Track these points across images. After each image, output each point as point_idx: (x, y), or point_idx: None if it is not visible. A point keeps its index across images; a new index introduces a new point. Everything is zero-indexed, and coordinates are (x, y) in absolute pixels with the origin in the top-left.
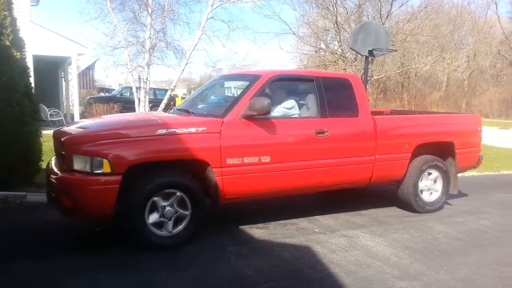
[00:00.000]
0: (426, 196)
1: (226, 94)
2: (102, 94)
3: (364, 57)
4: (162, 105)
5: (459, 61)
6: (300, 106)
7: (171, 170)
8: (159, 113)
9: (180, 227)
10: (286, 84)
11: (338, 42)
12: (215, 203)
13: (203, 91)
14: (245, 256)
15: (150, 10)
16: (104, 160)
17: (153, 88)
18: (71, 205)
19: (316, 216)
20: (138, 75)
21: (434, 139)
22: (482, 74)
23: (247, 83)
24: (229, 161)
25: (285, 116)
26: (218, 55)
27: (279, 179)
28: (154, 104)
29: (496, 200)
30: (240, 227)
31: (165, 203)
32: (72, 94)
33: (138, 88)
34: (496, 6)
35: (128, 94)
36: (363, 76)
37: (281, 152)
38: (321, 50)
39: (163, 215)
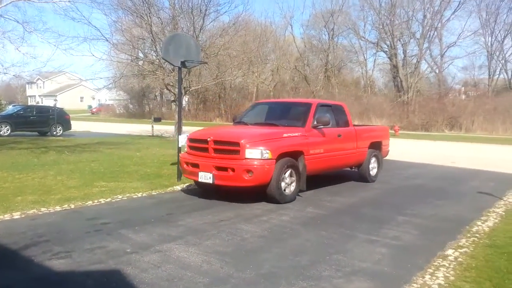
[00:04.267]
0: (372, 172)
1: (272, 113)
2: None
3: (178, 68)
4: None
5: (265, 74)
6: None
7: (288, 157)
8: (259, 126)
9: (295, 187)
10: (320, 108)
11: (155, 52)
12: (303, 177)
13: (253, 111)
14: None
15: None
16: (269, 151)
17: None
18: (251, 178)
19: (130, 235)
20: None
21: (376, 139)
22: (284, 86)
23: (295, 107)
24: (311, 151)
25: None
26: (12, 60)
27: (326, 162)
28: None
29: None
30: (35, 259)
31: (286, 175)
32: None
33: None
34: (292, 28)
35: None
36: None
37: (327, 147)
38: (138, 59)
39: (286, 183)
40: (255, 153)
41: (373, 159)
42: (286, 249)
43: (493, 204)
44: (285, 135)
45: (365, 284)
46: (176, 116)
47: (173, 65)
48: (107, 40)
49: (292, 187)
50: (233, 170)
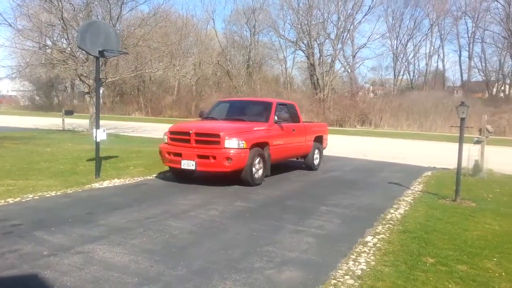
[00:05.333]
0: (316, 162)
1: (237, 110)
2: None
3: (95, 57)
4: None
5: (187, 68)
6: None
7: (258, 147)
8: (230, 121)
9: (262, 172)
10: (279, 106)
11: (66, 40)
12: (268, 164)
13: (219, 108)
14: None
15: None
16: (244, 141)
17: None
18: (230, 164)
19: (45, 236)
20: None
21: (319, 134)
22: (206, 80)
23: (259, 105)
24: (273, 143)
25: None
26: None
27: (284, 152)
28: None
29: (222, 191)
30: None
31: (256, 162)
32: None
33: None
34: (214, 22)
35: None
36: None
37: (285, 139)
38: (46, 47)
39: (256, 169)
40: (233, 143)
41: (317, 151)
42: (217, 244)
43: (402, 193)
44: (255, 128)
45: (295, 273)
46: (91, 109)
47: (90, 54)
48: (11, 25)
49: (260, 172)
50: (214, 157)
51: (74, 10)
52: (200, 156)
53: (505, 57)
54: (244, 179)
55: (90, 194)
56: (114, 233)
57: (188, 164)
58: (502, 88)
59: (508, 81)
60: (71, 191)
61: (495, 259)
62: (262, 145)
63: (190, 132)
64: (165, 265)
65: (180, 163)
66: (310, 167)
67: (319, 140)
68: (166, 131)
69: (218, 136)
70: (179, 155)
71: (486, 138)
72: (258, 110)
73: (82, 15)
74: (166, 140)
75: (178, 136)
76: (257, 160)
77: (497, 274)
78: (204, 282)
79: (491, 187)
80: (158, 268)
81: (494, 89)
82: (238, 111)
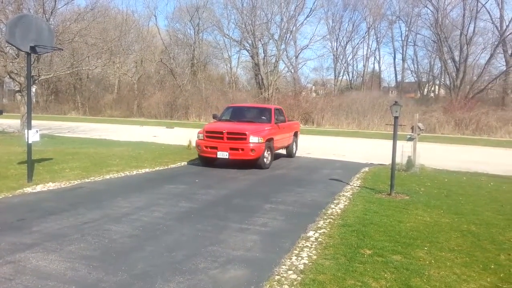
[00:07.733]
0: (294, 151)
1: (245, 114)
2: None
3: (26, 53)
4: None
5: (128, 65)
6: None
7: (268, 141)
8: (243, 122)
9: (270, 159)
10: (276, 111)
11: None
12: (272, 154)
13: (230, 112)
14: None
15: None
16: (261, 138)
17: None
18: (253, 154)
19: None
20: None
21: (296, 130)
22: (149, 79)
23: (263, 110)
24: (275, 138)
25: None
26: None
27: (279, 144)
28: None
29: (166, 192)
30: None
31: (267, 152)
32: None
33: None
34: (156, 19)
35: None
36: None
37: (280, 135)
38: None
39: (266, 157)
40: (254, 139)
41: (294, 143)
42: (160, 246)
43: (342, 189)
44: (265, 128)
45: (240, 271)
46: (22, 109)
47: (20, 50)
48: None
49: (269, 159)
50: (242, 149)
51: (2, 2)
52: (231, 149)
53: (434, 60)
54: (259, 164)
55: (22, 199)
56: (49, 239)
57: (222, 155)
58: (432, 88)
59: (437, 82)
60: (0, 197)
61: (426, 248)
62: (270, 140)
63: (223, 131)
64: (104, 271)
65: (216, 154)
66: (290, 155)
67: (296, 134)
68: (201, 130)
69: (245, 134)
70: (215, 148)
71: (418, 135)
72: (262, 114)
73: (12, 8)
74: (202, 137)
75: (213, 134)
76: (267, 151)
77: (427, 262)
78: (146, 286)
79: (422, 181)
80: (97, 275)
81: (425, 90)
82: (246, 114)
